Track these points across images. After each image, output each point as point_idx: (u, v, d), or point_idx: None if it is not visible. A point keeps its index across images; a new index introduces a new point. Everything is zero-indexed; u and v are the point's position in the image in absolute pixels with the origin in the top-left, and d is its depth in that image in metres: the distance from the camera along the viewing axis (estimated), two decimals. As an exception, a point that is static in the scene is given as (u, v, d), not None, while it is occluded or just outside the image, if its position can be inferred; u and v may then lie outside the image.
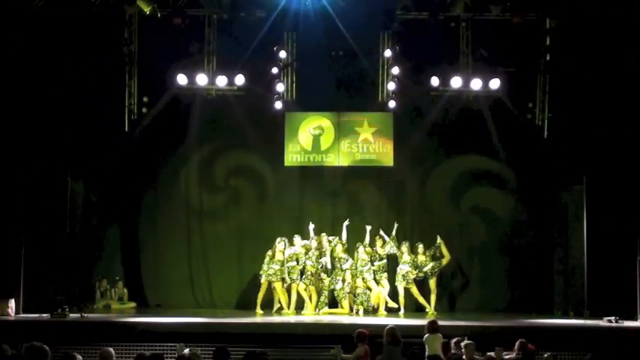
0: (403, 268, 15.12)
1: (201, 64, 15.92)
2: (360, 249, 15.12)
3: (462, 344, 9.88)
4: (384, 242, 15.31)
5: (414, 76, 15.94)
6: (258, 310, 15.01)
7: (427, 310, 15.12)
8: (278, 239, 15.17)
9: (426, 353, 9.71)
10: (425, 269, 15.20)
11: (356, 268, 15.03)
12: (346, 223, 15.47)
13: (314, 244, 15.20)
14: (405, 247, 15.22)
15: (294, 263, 15.09)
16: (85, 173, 15.56)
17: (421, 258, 15.27)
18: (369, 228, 15.35)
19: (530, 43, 15.85)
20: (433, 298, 15.28)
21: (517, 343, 9.75)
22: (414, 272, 15.15)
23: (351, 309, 14.93)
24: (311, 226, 15.45)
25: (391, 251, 15.29)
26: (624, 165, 14.74)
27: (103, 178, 16.14)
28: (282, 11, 14.90)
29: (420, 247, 15.34)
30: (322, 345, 11.26)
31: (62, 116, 15.05)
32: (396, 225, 15.53)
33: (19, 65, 14.21)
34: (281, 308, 15.06)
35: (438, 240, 15.36)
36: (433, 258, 15.32)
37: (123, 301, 15.94)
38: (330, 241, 15.23)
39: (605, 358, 10.23)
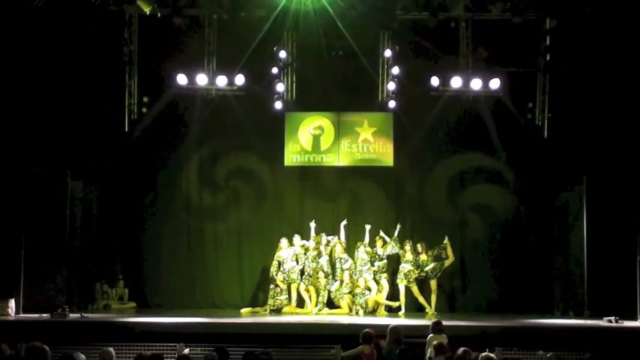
0: (405, 267, 15.12)
1: (201, 64, 15.92)
2: (361, 249, 15.13)
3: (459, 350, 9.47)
4: (385, 243, 15.30)
5: (413, 76, 15.93)
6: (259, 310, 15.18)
7: (427, 310, 15.11)
8: (283, 240, 15.29)
9: (428, 354, 9.68)
10: (426, 269, 15.19)
11: (355, 268, 15.05)
12: (344, 223, 15.48)
13: (312, 244, 15.23)
14: (408, 246, 15.22)
15: (294, 263, 15.13)
16: (85, 173, 15.54)
17: (423, 257, 15.27)
18: (368, 227, 15.37)
19: (530, 43, 15.85)
20: (434, 298, 15.26)
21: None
22: (416, 272, 15.15)
23: (351, 309, 14.93)
24: (312, 225, 15.48)
25: (392, 252, 15.29)
26: (624, 165, 14.73)
27: (103, 178, 16.14)
28: (282, 11, 14.89)
29: (420, 247, 15.33)
30: (322, 345, 11.25)
31: (62, 116, 15.03)
32: (398, 226, 15.54)
33: (19, 65, 14.19)
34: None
35: (445, 240, 15.34)
36: (437, 258, 15.31)
37: (123, 301, 15.94)
38: (329, 241, 15.25)
39: (605, 358, 10.20)
